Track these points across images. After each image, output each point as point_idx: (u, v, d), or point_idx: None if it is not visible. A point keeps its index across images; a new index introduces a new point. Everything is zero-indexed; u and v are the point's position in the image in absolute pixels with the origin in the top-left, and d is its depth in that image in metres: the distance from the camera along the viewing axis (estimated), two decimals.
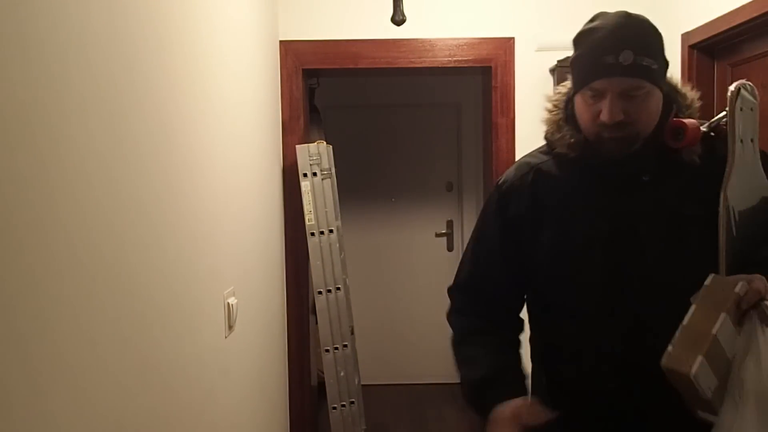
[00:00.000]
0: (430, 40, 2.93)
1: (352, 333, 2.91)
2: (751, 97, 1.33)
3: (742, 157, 1.29)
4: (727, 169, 1.27)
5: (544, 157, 1.40)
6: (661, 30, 1.30)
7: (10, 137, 0.76)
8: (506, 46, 2.94)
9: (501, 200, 1.42)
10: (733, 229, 1.26)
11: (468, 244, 1.52)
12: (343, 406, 2.85)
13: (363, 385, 3.08)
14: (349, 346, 2.85)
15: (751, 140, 1.33)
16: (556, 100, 1.39)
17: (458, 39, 2.93)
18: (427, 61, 2.93)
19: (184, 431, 1.38)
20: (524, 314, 1.49)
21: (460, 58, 2.93)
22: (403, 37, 2.89)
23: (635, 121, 1.23)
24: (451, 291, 1.57)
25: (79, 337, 0.92)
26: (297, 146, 2.82)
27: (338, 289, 2.81)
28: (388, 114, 4.55)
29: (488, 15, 2.96)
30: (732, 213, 1.26)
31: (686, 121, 1.30)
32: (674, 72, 2.57)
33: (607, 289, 1.31)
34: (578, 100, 1.30)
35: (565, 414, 1.29)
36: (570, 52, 1.38)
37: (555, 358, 1.42)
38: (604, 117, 1.23)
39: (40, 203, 0.82)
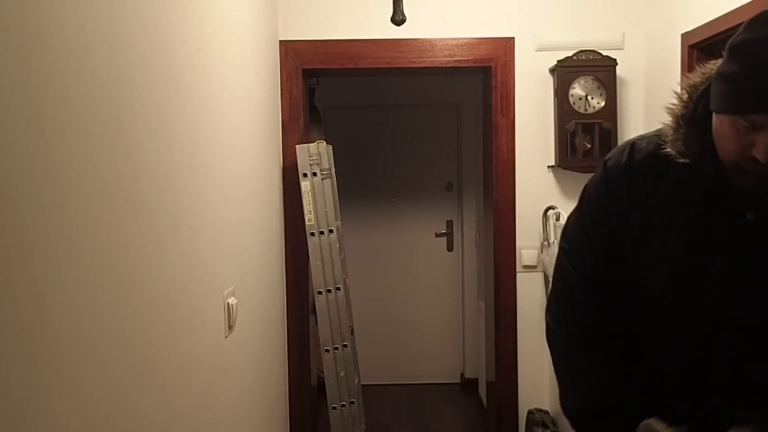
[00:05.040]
0: (430, 40, 2.93)
1: (352, 333, 2.91)
2: None
3: None
4: None
5: (658, 144, 1.23)
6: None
7: (9, 137, 0.76)
8: (506, 46, 2.94)
9: (607, 188, 1.30)
10: None
11: (575, 226, 1.39)
12: (343, 406, 2.85)
13: (363, 385, 3.08)
14: (349, 346, 2.85)
15: None
16: (688, 90, 1.19)
17: (458, 39, 2.93)
18: (427, 61, 2.93)
19: (183, 431, 1.38)
20: None
21: (460, 58, 2.93)
22: (403, 37, 2.89)
23: None
24: (574, 283, 1.37)
25: (79, 336, 0.92)
26: (297, 146, 2.82)
27: (338, 289, 2.81)
28: (388, 114, 4.55)
29: (488, 15, 2.96)
30: None
31: None
32: (674, 72, 2.58)
33: (673, 316, 1.23)
34: (723, 120, 1.09)
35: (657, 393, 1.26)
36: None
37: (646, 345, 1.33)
38: (760, 155, 1.03)
39: (39, 203, 0.82)
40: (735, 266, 1.16)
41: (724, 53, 1.10)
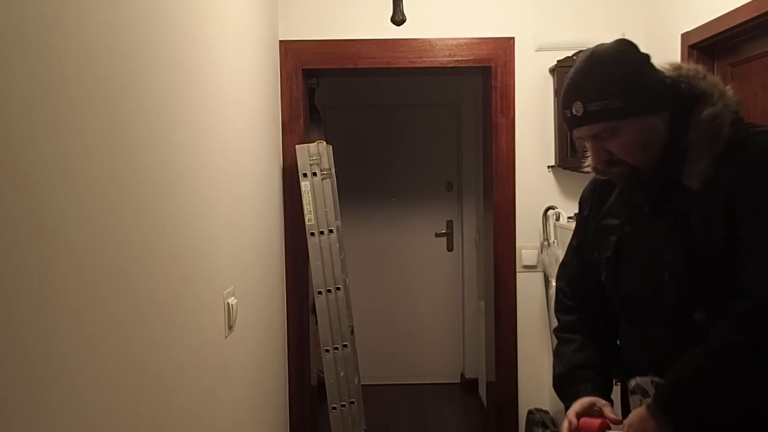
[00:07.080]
0: (430, 40, 2.93)
1: (352, 333, 2.91)
2: None
3: None
4: None
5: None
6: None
7: (10, 137, 0.76)
8: (506, 46, 2.94)
9: (581, 204, 1.55)
10: None
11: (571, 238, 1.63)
12: (343, 406, 2.85)
13: (363, 385, 3.08)
14: (349, 346, 2.85)
15: None
16: None
17: (458, 39, 2.93)
18: (427, 61, 2.93)
19: (183, 431, 1.38)
20: None
21: (460, 58, 2.93)
22: (403, 37, 2.89)
23: (622, 158, 1.26)
24: (559, 275, 1.66)
25: (79, 337, 0.92)
26: (297, 146, 2.82)
27: (338, 289, 2.81)
28: (388, 114, 4.55)
29: (488, 15, 2.96)
30: None
31: None
32: None
33: (615, 302, 1.44)
34: None
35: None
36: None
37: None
38: (590, 160, 1.32)
39: (40, 203, 0.82)
40: (643, 255, 1.34)
41: None
